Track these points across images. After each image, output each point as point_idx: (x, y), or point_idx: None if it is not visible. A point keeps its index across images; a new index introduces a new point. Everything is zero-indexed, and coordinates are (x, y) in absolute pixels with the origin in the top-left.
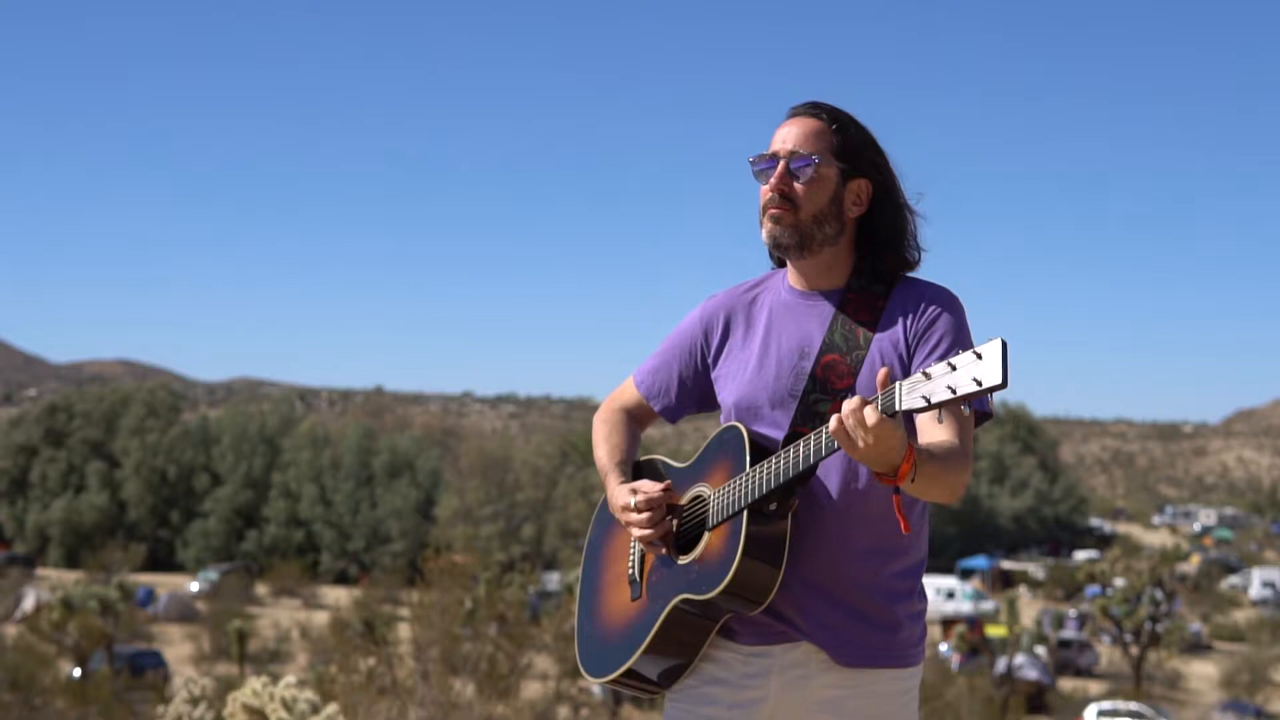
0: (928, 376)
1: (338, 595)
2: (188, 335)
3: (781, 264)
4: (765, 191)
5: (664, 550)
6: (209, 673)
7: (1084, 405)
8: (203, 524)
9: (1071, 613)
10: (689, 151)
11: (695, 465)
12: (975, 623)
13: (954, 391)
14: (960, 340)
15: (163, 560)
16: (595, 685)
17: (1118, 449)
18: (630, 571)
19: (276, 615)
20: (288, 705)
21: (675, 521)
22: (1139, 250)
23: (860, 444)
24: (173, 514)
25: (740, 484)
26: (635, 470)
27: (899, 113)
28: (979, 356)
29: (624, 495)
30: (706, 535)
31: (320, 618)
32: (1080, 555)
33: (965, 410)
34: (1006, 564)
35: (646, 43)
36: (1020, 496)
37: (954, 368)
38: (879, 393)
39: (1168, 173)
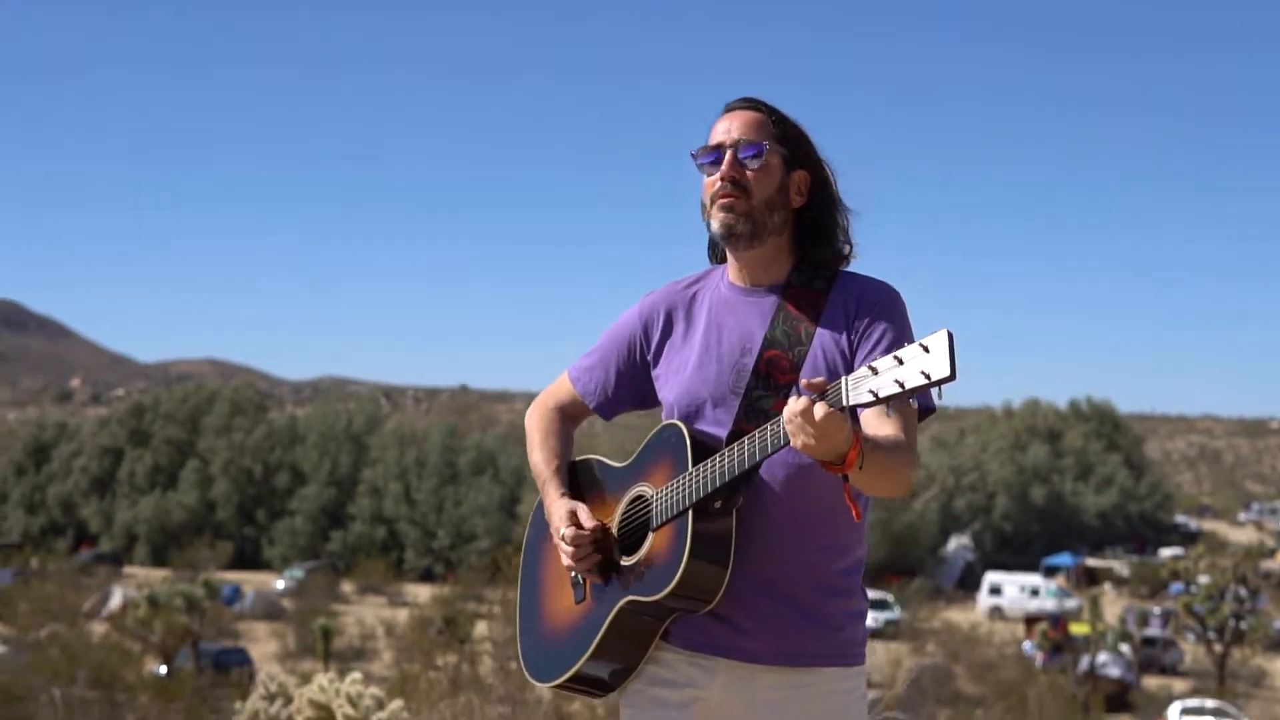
0: (874, 371)
1: (422, 593)
2: (275, 334)
3: (720, 260)
4: (712, 182)
5: (595, 577)
6: (294, 670)
7: (1170, 401)
8: (289, 522)
9: (1156, 610)
10: None
11: (635, 464)
12: (1059, 620)
13: (902, 386)
14: (902, 334)
15: (249, 558)
16: (543, 689)
17: (1204, 445)
18: (574, 575)
19: (361, 613)
20: (353, 701)
21: (610, 540)
22: (1227, 246)
23: (808, 440)
24: (259, 512)
25: (684, 483)
26: (571, 471)
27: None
28: (925, 349)
29: (559, 519)
30: (651, 536)
31: (404, 615)
32: (1165, 552)
33: (912, 404)
34: (1091, 561)
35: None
36: (1105, 493)
37: (900, 361)
38: (826, 389)
39: (1254, 169)
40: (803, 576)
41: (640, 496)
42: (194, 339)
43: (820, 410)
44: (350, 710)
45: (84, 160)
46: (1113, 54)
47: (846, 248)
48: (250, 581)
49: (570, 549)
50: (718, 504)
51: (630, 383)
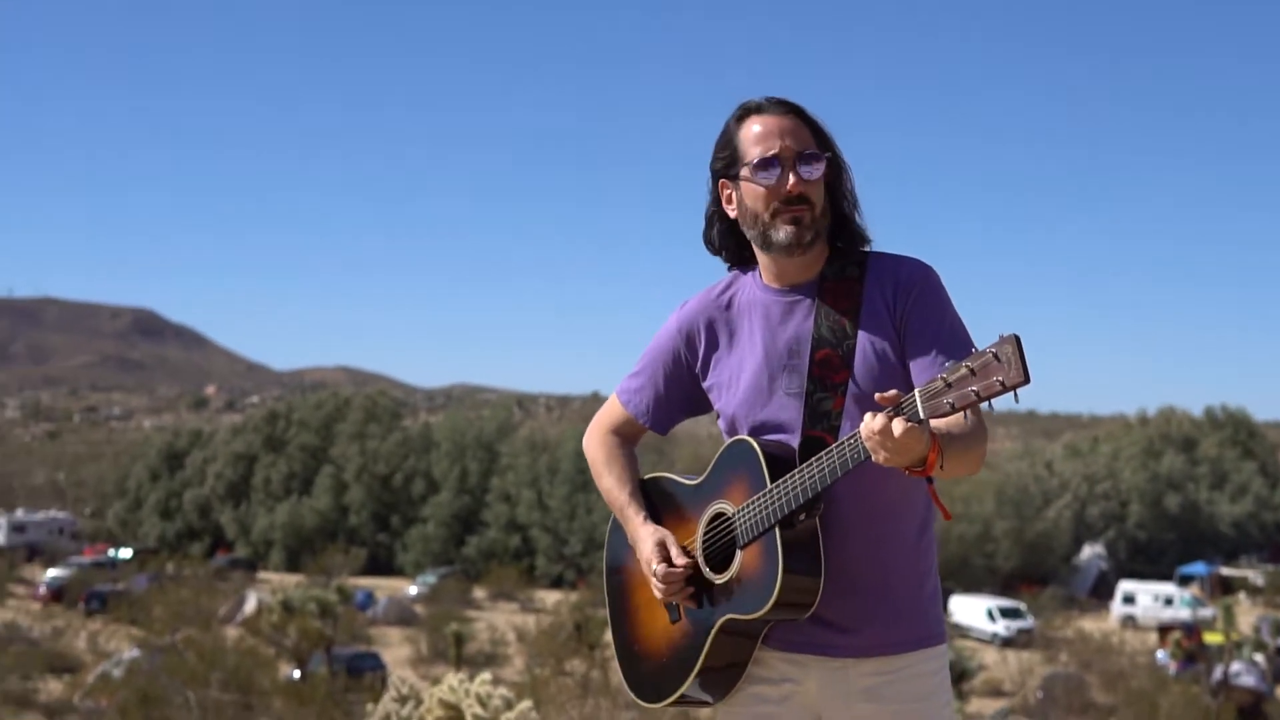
0: (947, 384)
1: (554, 599)
2: (408, 343)
3: (742, 264)
4: (770, 192)
5: (689, 604)
6: (426, 675)
7: None
8: (422, 529)
9: None
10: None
11: (710, 481)
12: (1193, 629)
13: (978, 395)
14: (945, 312)
15: (382, 564)
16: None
17: None
18: None
19: (493, 618)
20: (482, 701)
21: (691, 587)
22: None
23: (889, 455)
24: (393, 519)
25: (767, 500)
26: (643, 491)
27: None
28: (997, 358)
29: (649, 552)
30: (739, 554)
31: (536, 621)
32: None
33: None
34: (1225, 570)
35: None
36: (1240, 502)
37: (973, 372)
38: (901, 401)
39: None
40: (881, 567)
41: (721, 514)
42: (328, 347)
43: (899, 427)
44: (479, 710)
45: (219, 175)
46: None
47: (865, 230)
48: (383, 587)
49: (662, 586)
50: (803, 516)
51: (680, 395)
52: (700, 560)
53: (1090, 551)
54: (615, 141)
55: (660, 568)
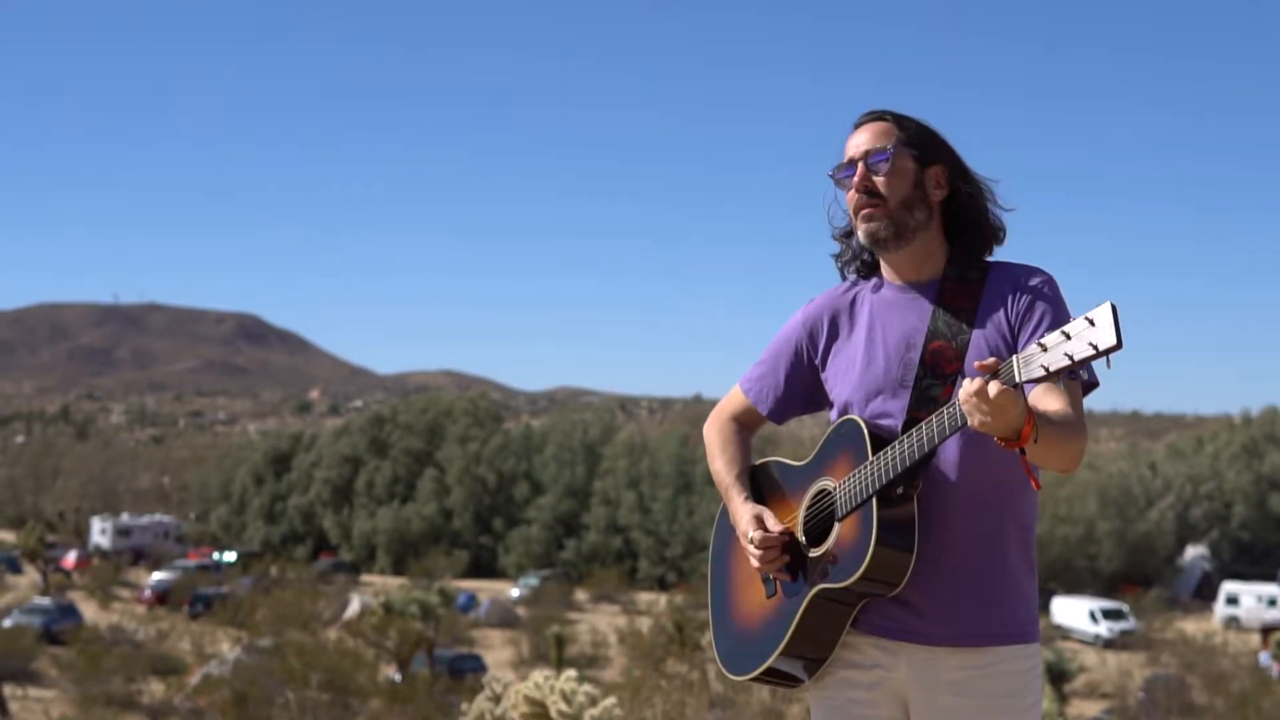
0: (1043, 348)
1: (656, 601)
2: (511, 346)
3: (874, 271)
4: (851, 196)
5: (784, 576)
6: (526, 676)
7: None
8: (524, 531)
9: None
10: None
11: (815, 461)
12: None
13: (1071, 359)
14: (1060, 314)
15: (485, 567)
16: (738, 681)
17: None
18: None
19: (595, 620)
20: (567, 697)
21: (787, 556)
22: None
23: (984, 418)
24: (496, 521)
25: (866, 472)
26: (752, 476)
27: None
28: (1091, 323)
29: (745, 523)
30: (837, 526)
31: (638, 624)
32: None
33: (1081, 375)
34: None
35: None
36: None
37: (1068, 336)
38: (998, 368)
39: None
40: (979, 558)
41: (823, 490)
42: (431, 351)
43: (995, 388)
44: (564, 706)
45: (324, 180)
46: None
47: (998, 227)
48: (486, 590)
49: (758, 552)
50: (899, 489)
51: (799, 387)
52: (800, 535)
53: (1193, 552)
54: (726, 145)
55: (756, 534)
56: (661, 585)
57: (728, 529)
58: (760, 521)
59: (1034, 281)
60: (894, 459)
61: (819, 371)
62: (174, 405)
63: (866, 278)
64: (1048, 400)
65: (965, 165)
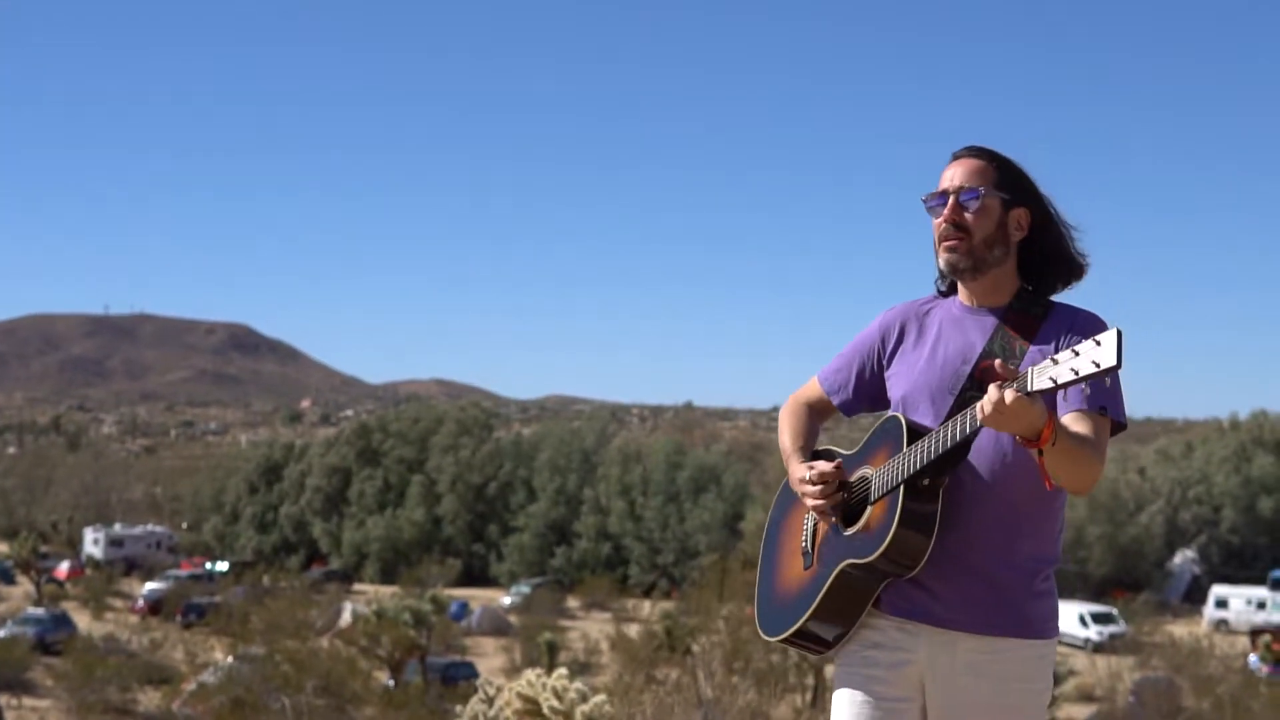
0: (1055, 362)
1: (647, 608)
2: (502, 355)
3: (946, 289)
4: (938, 224)
5: (833, 519)
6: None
7: None
8: (517, 539)
9: None
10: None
11: (862, 450)
12: None
13: (1076, 373)
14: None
15: (477, 575)
16: (769, 640)
17: None
18: (804, 544)
19: (586, 628)
20: (558, 694)
21: (844, 495)
22: None
23: (1001, 419)
24: (488, 529)
25: (899, 462)
26: (813, 456)
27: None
28: (1098, 344)
29: (802, 470)
30: (869, 509)
31: (630, 631)
32: None
33: (1107, 412)
34: None
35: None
36: None
37: (1077, 354)
38: (1016, 376)
39: None
40: (1000, 558)
41: (864, 477)
42: (422, 360)
43: (1009, 396)
44: (555, 702)
45: (313, 190)
46: None
47: (1078, 266)
48: (478, 598)
49: (815, 488)
50: (926, 480)
51: (869, 385)
52: (839, 516)
53: (1183, 556)
54: (718, 151)
55: (813, 473)
56: (654, 592)
57: (785, 501)
58: (813, 466)
59: (1088, 322)
60: (923, 451)
61: (884, 371)
62: (166, 415)
63: (946, 295)
64: (1076, 423)
65: (1050, 210)
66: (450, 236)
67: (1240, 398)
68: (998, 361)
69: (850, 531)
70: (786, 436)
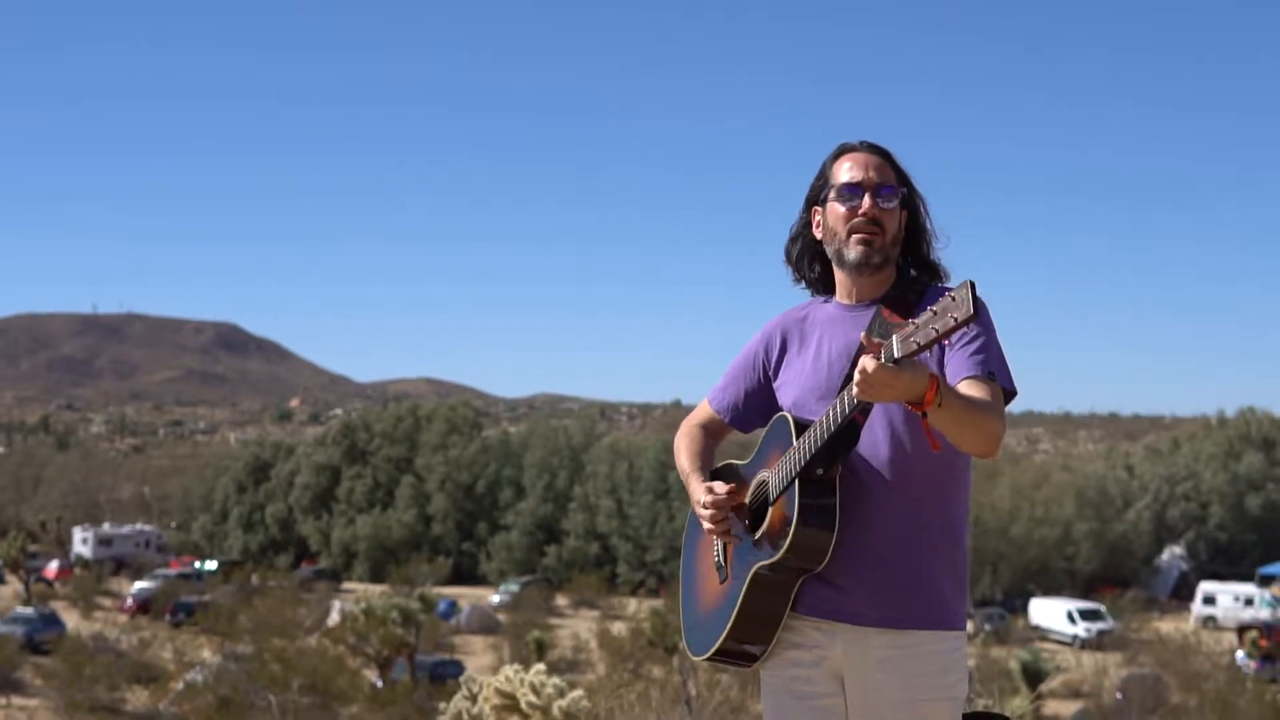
0: (916, 326)
1: (636, 606)
2: (491, 353)
3: (820, 289)
4: (848, 214)
5: (738, 533)
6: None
7: None
8: (505, 537)
9: None
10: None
11: (757, 455)
12: (1273, 630)
13: (938, 331)
14: (985, 329)
15: (466, 574)
16: (699, 662)
17: None
18: (716, 559)
19: (575, 626)
20: (536, 689)
21: (743, 512)
22: None
23: (871, 390)
24: (477, 527)
25: (790, 457)
26: (713, 474)
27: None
28: (954, 299)
29: (698, 493)
30: (770, 510)
31: (618, 629)
32: None
33: (989, 376)
34: None
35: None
36: None
37: (935, 314)
38: (880, 346)
39: None
40: (900, 545)
41: (762, 481)
42: (411, 358)
43: (870, 365)
44: (533, 697)
45: (300, 188)
46: None
47: (939, 268)
48: (467, 596)
49: (708, 513)
50: (820, 471)
51: (759, 399)
52: (744, 524)
53: (1171, 553)
54: (704, 150)
55: (707, 497)
56: (642, 590)
57: (693, 528)
58: (710, 490)
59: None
60: (810, 441)
61: (773, 383)
62: (154, 415)
63: (818, 293)
64: (968, 387)
65: (925, 213)
66: (439, 235)
67: (1228, 395)
68: (863, 334)
69: (757, 535)
70: (683, 459)
